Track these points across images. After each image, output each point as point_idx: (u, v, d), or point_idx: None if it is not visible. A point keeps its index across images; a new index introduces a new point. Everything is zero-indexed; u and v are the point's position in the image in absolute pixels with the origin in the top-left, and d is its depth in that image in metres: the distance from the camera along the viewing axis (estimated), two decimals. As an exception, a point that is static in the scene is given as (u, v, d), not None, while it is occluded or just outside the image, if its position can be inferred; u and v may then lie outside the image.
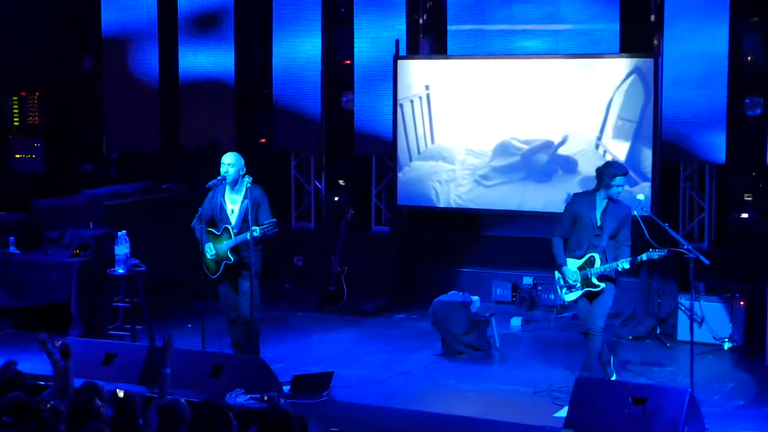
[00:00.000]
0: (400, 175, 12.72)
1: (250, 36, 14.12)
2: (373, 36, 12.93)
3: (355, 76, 13.12)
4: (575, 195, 9.28)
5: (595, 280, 8.82)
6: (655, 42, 11.70)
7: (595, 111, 11.71)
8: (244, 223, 9.32)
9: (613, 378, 9.17)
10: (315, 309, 12.35)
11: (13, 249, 11.39)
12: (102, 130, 14.55)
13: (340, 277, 12.34)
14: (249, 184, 9.35)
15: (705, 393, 8.93)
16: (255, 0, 13.99)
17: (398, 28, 12.78)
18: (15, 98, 14.21)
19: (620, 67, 11.58)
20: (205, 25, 13.81)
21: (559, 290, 9.08)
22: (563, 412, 8.16)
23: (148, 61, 14.16)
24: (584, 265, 8.88)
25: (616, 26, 11.84)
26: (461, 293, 10.77)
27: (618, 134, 11.62)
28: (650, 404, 7.63)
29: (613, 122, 11.64)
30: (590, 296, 8.92)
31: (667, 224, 8.73)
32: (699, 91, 11.46)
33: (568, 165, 11.90)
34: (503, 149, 12.22)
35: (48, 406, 6.13)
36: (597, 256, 8.82)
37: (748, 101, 11.58)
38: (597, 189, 8.94)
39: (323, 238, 13.05)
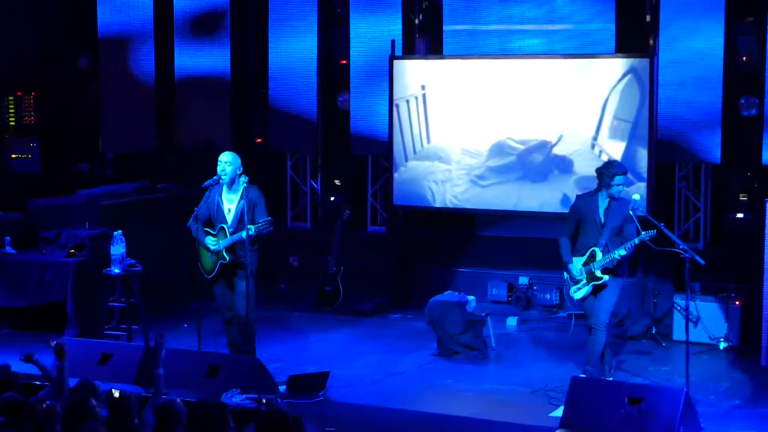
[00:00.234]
0: (396, 175, 12.72)
1: (246, 36, 14.13)
2: (369, 36, 12.93)
3: (351, 76, 13.13)
4: (578, 196, 9.38)
5: (598, 273, 8.93)
6: (651, 42, 11.71)
7: (591, 111, 11.72)
8: (240, 223, 9.32)
9: (609, 378, 9.20)
10: (311, 309, 12.35)
11: (9, 249, 11.38)
12: (98, 129, 14.55)
13: (337, 277, 12.35)
14: (245, 184, 9.36)
15: (700, 393, 8.94)
16: (251, 0, 13.99)
17: (394, 28, 12.79)
18: (11, 98, 14.21)
19: (616, 67, 11.58)
20: (205, 26, 13.81)
21: (568, 289, 9.19)
22: (559, 412, 8.17)
23: (144, 60, 14.16)
24: (587, 261, 9.00)
25: (611, 26, 11.85)
26: (457, 293, 10.78)
27: (614, 134, 11.63)
28: (646, 404, 7.64)
29: (608, 122, 11.65)
30: (596, 292, 9.01)
31: (662, 224, 8.77)
32: (694, 91, 11.47)
33: (564, 165, 11.91)
34: (499, 149, 12.22)
35: (44, 406, 6.13)
36: (598, 250, 8.93)
37: (743, 101, 11.59)
38: (598, 189, 9.06)
39: (319, 238, 13.05)
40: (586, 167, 11.73)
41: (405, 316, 12.06)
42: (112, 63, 14.30)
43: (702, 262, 8.66)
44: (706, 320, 10.62)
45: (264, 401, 7.80)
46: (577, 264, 9.05)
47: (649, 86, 11.35)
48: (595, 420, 7.75)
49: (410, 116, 12.57)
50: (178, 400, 6.23)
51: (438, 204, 12.56)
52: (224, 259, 9.41)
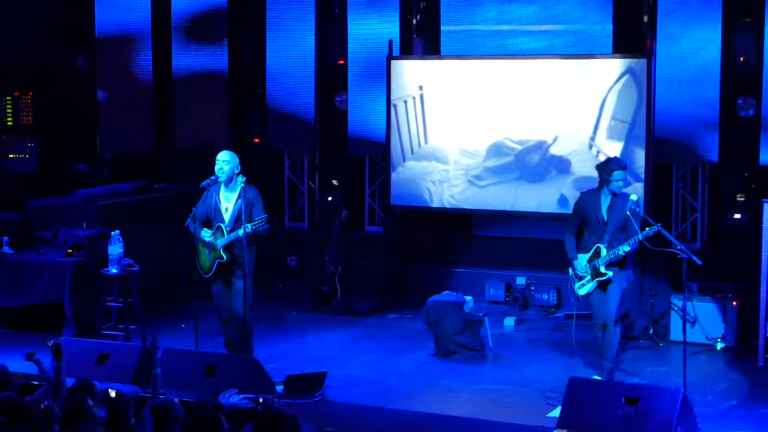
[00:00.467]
0: (393, 175, 12.73)
1: (244, 36, 14.12)
2: (367, 36, 12.94)
3: (348, 76, 13.13)
4: (582, 193, 9.47)
5: (603, 269, 9.00)
6: (648, 43, 11.71)
7: (589, 111, 11.72)
8: (237, 222, 9.33)
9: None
10: (308, 309, 12.35)
11: (6, 249, 11.37)
12: (96, 130, 14.54)
13: (334, 277, 12.35)
14: (243, 184, 9.36)
15: (698, 393, 8.95)
16: (249, 0, 13.99)
17: (392, 28, 12.79)
18: (8, 98, 14.21)
19: (613, 67, 11.59)
20: (203, 25, 13.82)
21: (572, 285, 9.25)
22: (556, 412, 8.17)
23: (142, 60, 14.15)
24: (592, 257, 9.08)
25: (609, 27, 11.86)
26: (454, 293, 10.77)
27: (611, 134, 11.64)
28: (643, 404, 7.64)
29: (606, 122, 11.66)
30: (602, 287, 9.07)
31: (660, 224, 8.78)
32: (692, 91, 11.48)
33: (562, 165, 11.91)
34: (497, 149, 12.23)
35: (42, 406, 6.13)
36: (603, 247, 9.01)
37: (740, 102, 11.60)
38: (600, 186, 9.15)
39: (317, 238, 13.05)
40: (583, 167, 11.75)
41: (402, 316, 12.06)
42: (110, 63, 14.29)
43: (699, 262, 8.66)
44: (703, 321, 10.62)
45: (261, 401, 7.81)
46: (581, 260, 9.14)
47: (647, 87, 11.36)
48: (593, 420, 7.75)
49: (408, 116, 12.58)
50: (176, 400, 6.23)
51: (435, 204, 12.57)
52: (222, 257, 9.42)
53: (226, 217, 9.44)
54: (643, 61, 11.41)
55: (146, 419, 6.21)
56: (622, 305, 9.22)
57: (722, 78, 11.40)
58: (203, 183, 9.52)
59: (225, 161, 9.47)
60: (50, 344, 7.20)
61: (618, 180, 9.01)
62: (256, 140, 14.09)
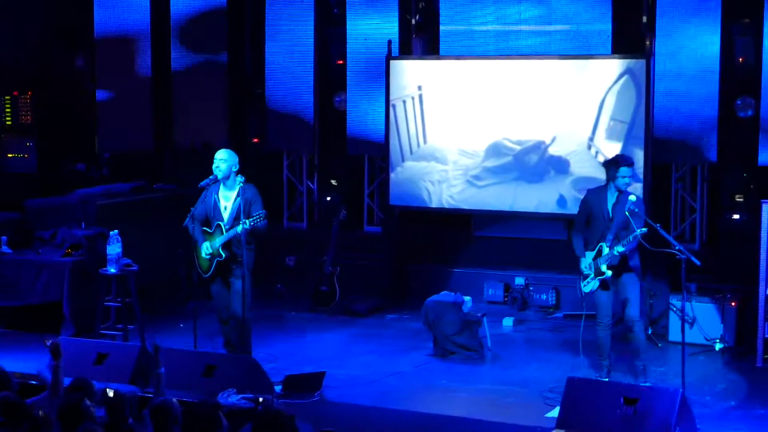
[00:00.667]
0: (392, 175, 12.72)
1: (243, 36, 14.12)
2: (366, 36, 12.94)
3: (347, 76, 13.13)
4: (588, 190, 9.48)
5: (603, 268, 9.04)
6: (647, 43, 11.71)
7: (588, 112, 11.72)
8: (236, 221, 9.32)
9: (606, 379, 9.24)
10: (307, 309, 12.35)
11: (5, 248, 11.36)
12: (95, 129, 14.54)
13: (333, 277, 12.35)
14: (242, 184, 9.37)
15: (696, 394, 8.94)
16: (248, 0, 13.98)
17: (391, 28, 12.79)
18: (7, 98, 14.21)
19: (612, 67, 11.59)
20: (202, 25, 13.83)
21: (579, 283, 9.29)
22: (555, 413, 8.17)
23: (140, 60, 14.15)
24: (596, 256, 9.12)
25: (608, 27, 11.85)
26: (453, 293, 10.76)
27: (610, 135, 11.63)
28: (642, 405, 7.65)
29: (605, 123, 11.66)
30: (605, 286, 9.12)
31: (658, 225, 8.79)
32: (691, 92, 11.48)
33: (561, 165, 11.91)
34: (495, 150, 12.23)
35: (40, 413, 6.13)
36: (605, 245, 9.02)
37: (739, 102, 11.60)
38: (607, 183, 9.18)
39: (315, 238, 13.05)
40: (582, 168, 11.75)
41: (401, 317, 12.05)
42: (109, 62, 14.29)
43: (698, 263, 8.67)
44: (701, 321, 10.62)
45: (261, 401, 7.81)
46: (587, 258, 9.17)
47: (646, 87, 11.36)
48: (591, 420, 7.76)
49: (407, 116, 12.58)
50: (174, 399, 6.23)
51: (434, 204, 12.56)
52: (220, 256, 9.41)
53: (225, 215, 9.45)
54: (642, 62, 11.41)
55: (146, 419, 6.22)
56: (643, 304, 9.26)
57: (721, 78, 11.41)
58: (202, 183, 9.52)
59: (222, 159, 9.47)
60: (48, 344, 7.19)
61: (625, 177, 9.03)
62: (255, 140, 14.10)
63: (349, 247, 12.89)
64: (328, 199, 13.60)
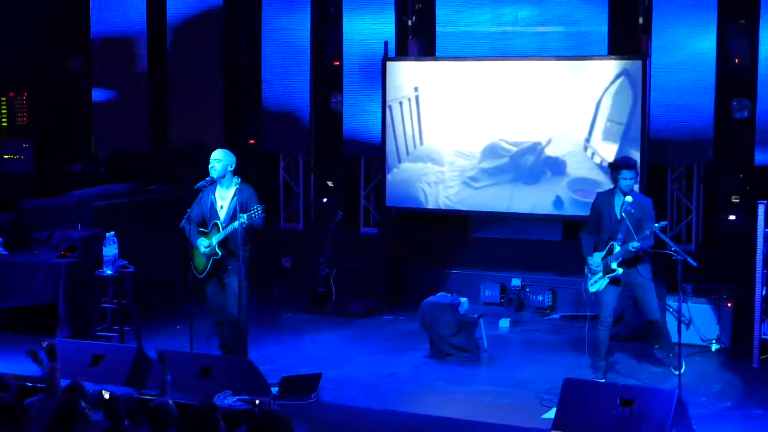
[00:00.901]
0: (388, 176, 12.72)
1: (239, 37, 14.11)
2: (363, 37, 12.93)
3: (344, 77, 13.12)
4: (598, 193, 9.62)
5: (614, 266, 9.17)
6: (644, 44, 11.72)
7: (584, 113, 11.73)
8: (233, 220, 9.32)
9: (602, 380, 9.25)
10: (303, 310, 12.34)
11: (0, 249, 11.35)
12: (91, 130, 14.52)
13: (329, 278, 12.34)
14: (238, 185, 9.36)
15: (692, 394, 8.94)
16: (244, 0, 13.98)
17: (387, 29, 12.78)
18: (3, 99, 14.18)
19: (609, 69, 11.60)
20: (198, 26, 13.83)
21: (585, 283, 9.41)
22: (551, 414, 8.17)
23: (137, 61, 14.14)
24: (606, 255, 9.22)
25: (604, 28, 11.85)
26: (449, 295, 10.77)
27: (606, 136, 11.64)
28: (638, 405, 7.65)
29: (601, 124, 11.66)
30: (614, 283, 9.28)
31: (657, 226, 8.82)
32: (687, 93, 11.48)
33: (557, 167, 11.91)
34: (492, 151, 12.23)
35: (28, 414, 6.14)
36: (616, 244, 9.15)
37: (735, 104, 11.60)
38: (614, 186, 9.32)
39: (312, 240, 13.05)
40: (578, 169, 11.76)
41: (397, 318, 12.05)
42: (105, 63, 14.27)
43: (694, 264, 8.70)
44: (698, 322, 10.63)
45: (258, 403, 7.80)
46: (596, 258, 9.29)
47: (642, 88, 11.37)
48: (587, 421, 7.76)
49: (403, 118, 12.58)
50: (170, 401, 6.23)
51: (431, 205, 12.57)
52: (217, 254, 9.39)
53: (222, 214, 9.43)
54: (638, 63, 11.42)
55: (143, 421, 6.22)
56: (660, 302, 9.48)
57: (717, 80, 11.41)
58: (198, 184, 9.51)
59: (217, 159, 9.48)
60: (44, 345, 7.19)
61: (626, 179, 9.17)
62: (252, 141, 14.08)
63: (345, 248, 12.87)
64: (325, 200, 13.59)
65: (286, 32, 13.35)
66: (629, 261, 9.18)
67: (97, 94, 14.38)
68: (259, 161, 13.72)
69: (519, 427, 8.23)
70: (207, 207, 9.50)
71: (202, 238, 9.45)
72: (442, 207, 12.52)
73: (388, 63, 12.57)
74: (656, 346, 9.89)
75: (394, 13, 12.78)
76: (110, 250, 10.20)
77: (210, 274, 9.51)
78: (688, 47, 11.46)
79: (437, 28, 12.65)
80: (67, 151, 14.59)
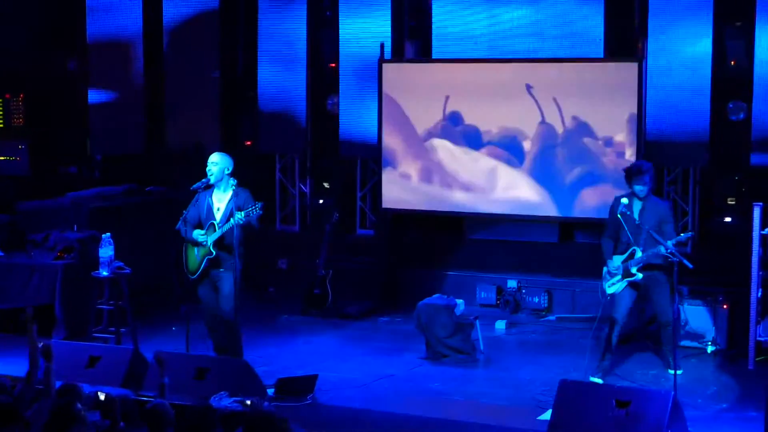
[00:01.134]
0: (384, 178, 12.72)
1: (235, 38, 14.12)
2: (359, 39, 12.93)
3: (340, 78, 13.13)
4: (616, 197, 9.59)
5: (633, 270, 9.25)
6: (639, 46, 11.73)
7: (580, 115, 11.73)
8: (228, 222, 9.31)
9: (599, 381, 9.27)
10: (299, 312, 12.33)
11: (-4, 251, 11.37)
12: (87, 132, 14.52)
13: (325, 280, 12.33)
14: (234, 187, 9.36)
15: (688, 396, 8.94)
16: (240, 2, 13.98)
17: (383, 31, 12.78)
18: (-1, 100, 14.19)
19: (605, 71, 11.61)
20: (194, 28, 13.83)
21: (602, 284, 9.46)
22: (547, 415, 8.18)
23: (133, 63, 14.13)
24: (627, 259, 9.30)
25: (600, 31, 11.87)
26: (446, 296, 10.77)
27: (603, 138, 11.64)
28: (633, 407, 7.66)
29: (597, 126, 11.66)
30: (633, 287, 9.34)
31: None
32: (682, 95, 11.50)
33: (553, 169, 11.91)
34: (487, 152, 12.23)
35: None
36: (638, 249, 9.21)
37: (731, 106, 11.62)
38: (630, 190, 9.40)
39: (308, 241, 13.05)
40: (574, 171, 11.76)
41: (393, 319, 12.05)
42: (101, 65, 14.27)
43: (690, 265, 8.72)
44: (693, 324, 10.64)
45: (249, 403, 7.80)
46: (616, 261, 9.35)
47: (638, 90, 11.37)
48: (583, 423, 7.76)
49: (399, 119, 12.57)
50: (167, 403, 6.23)
51: (427, 207, 12.57)
52: (211, 253, 9.37)
53: (218, 215, 9.42)
54: (634, 65, 11.43)
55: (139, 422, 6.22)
56: (672, 305, 9.45)
57: (713, 81, 11.42)
58: (194, 186, 9.50)
59: (213, 163, 9.47)
60: (40, 347, 7.18)
61: (638, 184, 9.24)
62: (248, 143, 14.08)
63: (341, 249, 12.88)
64: (321, 202, 13.60)
65: (283, 34, 13.36)
66: (649, 266, 9.24)
67: (94, 96, 14.37)
68: (256, 163, 13.73)
69: (515, 428, 8.24)
70: (203, 209, 9.49)
71: (199, 230, 9.42)
72: (438, 209, 12.52)
73: (385, 64, 12.58)
74: (665, 348, 9.81)
75: (390, 15, 12.78)
76: (106, 251, 10.20)
77: (203, 274, 9.49)
78: (684, 49, 11.48)
79: (433, 30, 12.65)
80: (63, 152, 14.58)
